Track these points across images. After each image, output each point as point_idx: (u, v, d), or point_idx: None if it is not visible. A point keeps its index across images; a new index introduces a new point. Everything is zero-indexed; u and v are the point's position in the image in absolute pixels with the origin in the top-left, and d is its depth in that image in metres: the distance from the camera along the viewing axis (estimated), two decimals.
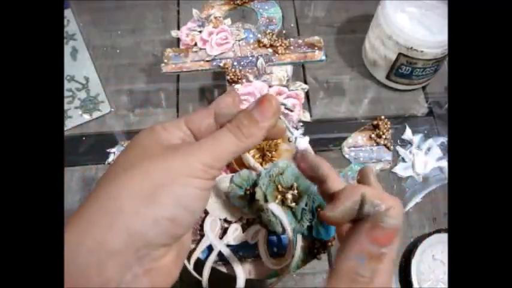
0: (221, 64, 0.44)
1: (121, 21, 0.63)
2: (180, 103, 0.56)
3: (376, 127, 0.40)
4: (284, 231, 0.34)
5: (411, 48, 0.49)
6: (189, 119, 0.24)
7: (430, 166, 0.51)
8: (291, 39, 0.45)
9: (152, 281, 0.21)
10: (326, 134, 0.53)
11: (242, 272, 0.34)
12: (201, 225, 0.36)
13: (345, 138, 0.40)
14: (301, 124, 0.41)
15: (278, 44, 0.44)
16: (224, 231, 0.36)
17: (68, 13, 0.59)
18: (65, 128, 0.53)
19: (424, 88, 0.57)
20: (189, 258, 0.35)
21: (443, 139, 0.53)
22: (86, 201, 0.20)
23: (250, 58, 0.44)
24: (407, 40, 0.49)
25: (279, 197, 0.35)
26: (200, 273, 0.35)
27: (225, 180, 0.36)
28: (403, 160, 0.52)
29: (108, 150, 0.50)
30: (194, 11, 0.48)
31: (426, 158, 0.52)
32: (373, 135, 0.40)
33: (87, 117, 0.54)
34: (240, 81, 0.43)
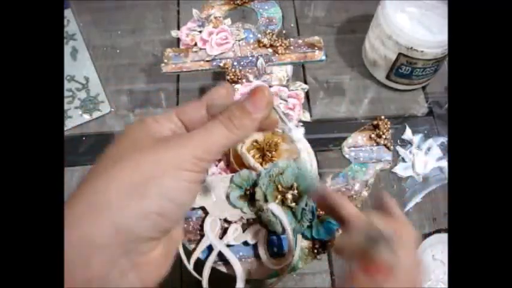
0: (221, 64, 0.44)
1: (121, 21, 0.63)
2: (180, 103, 0.56)
3: (376, 127, 0.40)
4: (284, 231, 0.34)
5: (411, 48, 0.49)
6: (180, 111, 0.24)
7: (430, 166, 0.51)
8: (291, 39, 0.45)
9: (140, 275, 0.21)
10: (326, 134, 0.53)
11: (242, 272, 0.34)
12: (201, 225, 0.36)
13: (345, 138, 0.40)
14: (301, 124, 0.41)
15: (278, 44, 0.44)
16: (224, 231, 0.36)
17: (68, 13, 0.59)
18: (65, 128, 0.53)
19: (424, 88, 0.57)
20: (189, 258, 0.35)
21: (443, 139, 0.53)
22: (73, 196, 0.20)
23: (250, 58, 0.44)
24: (407, 40, 0.49)
25: (279, 197, 0.35)
26: (200, 273, 0.35)
27: (225, 180, 0.36)
28: (403, 160, 0.52)
29: None
30: (194, 11, 0.48)
31: (426, 158, 0.52)
32: (373, 135, 0.40)
33: (87, 117, 0.54)
34: (240, 81, 0.43)
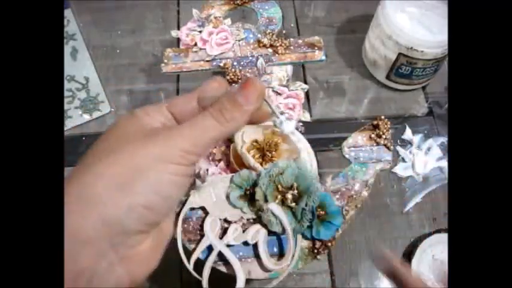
0: (221, 64, 0.44)
1: (121, 21, 0.63)
2: None
3: (376, 127, 0.40)
4: (284, 231, 0.34)
5: (411, 48, 0.49)
6: (171, 104, 0.24)
7: (430, 166, 0.52)
8: (291, 39, 0.45)
9: (128, 268, 0.21)
10: (326, 134, 0.53)
11: (242, 272, 0.34)
12: (201, 225, 0.36)
13: (345, 138, 0.40)
14: (301, 124, 0.41)
15: (278, 44, 0.44)
16: (224, 231, 0.36)
17: (68, 13, 0.59)
18: (65, 128, 0.53)
19: (424, 88, 0.57)
20: (189, 258, 0.35)
21: (443, 139, 0.53)
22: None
23: (250, 58, 0.44)
24: (407, 40, 0.49)
25: (279, 197, 0.35)
26: (200, 273, 0.35)
27: (225, 180, 0.36)
28: (403, 160, 0.52)
29: None
30: (194, 11, 0.48)
31: (426, 158, 0.52)
32: (373, 135, 0.40)
33: (87, 117, 0.54)
34: (240, 81, 0.43)
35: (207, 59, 0.45)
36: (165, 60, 0.45)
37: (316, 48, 0.44)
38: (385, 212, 0.49)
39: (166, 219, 0.23)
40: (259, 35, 0.45)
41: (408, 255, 0.45)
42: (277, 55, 0.44)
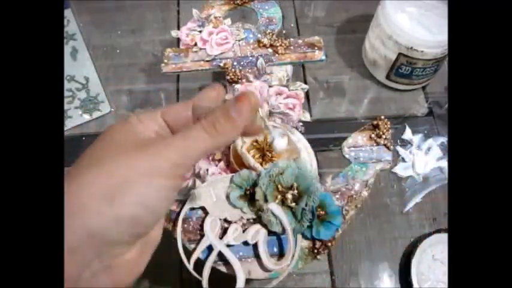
0: (221, 64, 0.44)
1: (121, 21, 0.63)
2: None
3: (376, 127, 0.40)
4: (284, 231, 0.34)
5: (411, 48, 0.49)
6: (165, 112, 0.24)
7: (430, 166, 0.52)
8: (291, 39, 0.45)
9: (112, 277, 0.21)
10: (326, 134, 0.53)
11: (242, 272, 0.34)
12: (201, 225, 0.36)
13: (345, 138, 0.40)
14: (301, 124, 0.41)
15: (278, 44, 0.44)
16: (224, 231, 0.36)
17: (68, 13, 0.59)
18: (65, 128, 0.53)
19: (424, 88, 0.57)
20: (189, 258, 0.35)
21: (443, 139, 0.53)
22: None
23: (250, 58, 0.44)
24: (408, 40, 0.49)
25: (279, 197, 0.35)
26: (200, 273, 0.35)
27: (225, 180, 0.36)
28: (403, 160, 0.52)
29: None
30: (194, 11, 0.48)
31: (426, 158, 0.52)
32: (373, 135, 0.40)
33: (87, 117, 0.54)
34: (240, 81, 0.43)
35: (207, 59, 0.45)
36: (165, 60, 0.45)
37: (316, 48, 0.44)
38: (385, 212, 0.49)
39: (151, 230, 0.23)
40: (259, 35, 0.45)
41: (408, 255, 0.45)
42: (277, 55, 0.44)
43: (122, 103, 0.56)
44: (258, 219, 0.35)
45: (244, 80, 0.43)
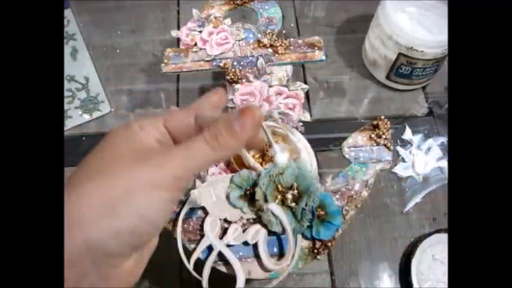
0: (221, 64, 0.44)
1: (121, 21, 0.63)
2: (180, 103, 0.56)
3: (376, 127, 0.40)
4: (284, 231, 0.34)
5: (411, 48, 0.49)
6: (168, 119, 0.24)
7: (430, 166, 0.52)
8: (291, 39, 0.45)
9: (110, 286, 0.20)
10: (326, 134, 0.53)
11: (242, 272, 0.34)
12: (201, 225, 0.36)
13: (345, 138, 0.40)
14: (301, 124, 0.41)
15: (278, 44, 0.44)
16: (224, 231, 0.36)
17: (68, 13, 0.59)
18: (65, 128, 0.53)
19: (424, 88, 0.57)
20: (189, 258, 0.35)
21: (443, 139, 0.53)
22: None
23: (250, 58, 0.44)
24: (408, 40, 0.49)
25: (279, 197, 0.35)
26: (200, 273, 0.35)
27: (225, 180, 0.36)
28: (403, 160, 0.52)
29: None
30: (194, 11, 0.48)
31: (426, 158, 0.52)
32: (373, 135, 0.40)
33: (87, 117, 0.54)
34: (240, 81, 0.43)
35: (207, 59, 0.45)
36: (165, 60, 0.45)
37: (316, 48, 0.44)
38: (385, 212, 0.49)
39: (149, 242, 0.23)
40: (259, 35, 0.45)
41: (408, 255, 0.45)
42: (277, 55, 0.44)
43: (122, 103, 0.56)
44: (258, 219, 0.35)
45: (244, 80, 0.43)
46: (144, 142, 0.22)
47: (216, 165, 0.39)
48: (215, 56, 0.45)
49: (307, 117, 0.42)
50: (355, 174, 0.39)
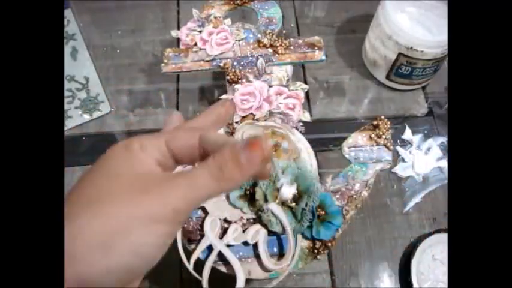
0: (221, 64, 0.44)
1: (121, 21, 0.63)
2: (180, 103, 0.56)
3: (376, 127, 0.40)
4: (284, 231, 0.34)
5: (411, 48, 0.49)
6: (171, 140, 0.22)
7: (430, 166, 0.52)
8: (291, 39, 0.45)
9: None
10: (326, 134, 0.53)
11: (242, 272, 0.34)
12: (201, 225, 0.36)
13: (345, 138, 0.40)
14: (301, 124, 0.41)
15: (278, 44, 0.44)
16: (224, 231, 0.36)
17: (68, 13, 0.59)
18: (65, 128, 0.53)
19: (424, 88, 0.57)
20: (189, 258, 0.35)
21: (443, 139, 0.53)
22: None
23: (250, 58, 0.44)
24: (408, 40, 0.49)
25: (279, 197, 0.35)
26: (200, 273, 0.35)
27: None
28: (403, 160, 0.52)
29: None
30: (194, 11, 0.48)
31: (426, 158, 0.52)
32: (373, 135, 0.40)
33: (87, 117, 0.54)
34: (240, 81, 0.43)
35: (207, 59, 0.45)
36: (165, 60, 0.45)
37: (316, 48, 0.44)
38: (385, 212, 0.49)
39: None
40: (259, 35, 0.45)
41: (408, 255, 0.45)
42: (277, 55, 0.44)
43: (122, 103, 0.56)
44: (258, 219, 0.35)
45: (244, 80, 0.43)
46: (144, 165, 0.21)
47: None
48: (215, 56, 0.45)
49: (307, 117, 0.42)
50: (355, 174, 0.39)
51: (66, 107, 0.54)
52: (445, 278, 0.44)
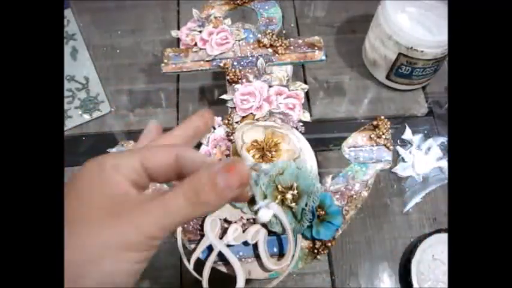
0: (221, 64, 0.44)
1: (121, 21, 0.63)
2: (180, 103, 0.56)
3: (376, 127, 0.40)
4: (284, 231, 0.34)
5: (411, 48, 0.49)
6: (146, 159, 0.22)
7: (430, 166, 0.52)
8: (291, 39, 0.45)
9: None
10: (326, 134, 0.53)
11: (242, 272, 0.34)
12: (201, 225, 0.36)
13: (345, 138, 0.40)
14: (301, 124, 0.41)
15: (278, 44, 0.44)
16: (224, 231, 0.36)
17: (68, 13, 0.59)
18: (65, 128, 0.53)
19: (424, 88, 0.57)
20: (189, 258, 0.35)
21: (443, 139, 0.53)
22: None
23: (250, 58, 0.44)
24: (408, 40, 0.49)
25: (279, 197, 0.35)
26: (200, 273, 0.35)
27: None
28: (403, 160, 0.52)
29: (108, 150, 0.50)
30: (194, 11, 0.48)
31: (426, 158, 0.52)
32: (373, 135, 0.40)
33: (87, 117, 0.54)
34: (240, 81, 0.43)
35: (207, 59, 0.45)
36: (165, 60, 0.45)
37: (316, 48, 0.44)
38: (385, 212, 0.49)
39: None
40: (259, 35, 0.45)
41: (408, 255, 0.45)
42: (277, 55, 0.44)
43: (122, 103, 0.56)
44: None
45: (244, 80, 0.43)
46: (118, 186, 0.20)
47: None
48: (215, 56, 0.45)
49: (307, 117, 0.42)
50: (355, 174, 0.39)
51: (66, 107, 0.54)
52: (445, 278, 0.44)
